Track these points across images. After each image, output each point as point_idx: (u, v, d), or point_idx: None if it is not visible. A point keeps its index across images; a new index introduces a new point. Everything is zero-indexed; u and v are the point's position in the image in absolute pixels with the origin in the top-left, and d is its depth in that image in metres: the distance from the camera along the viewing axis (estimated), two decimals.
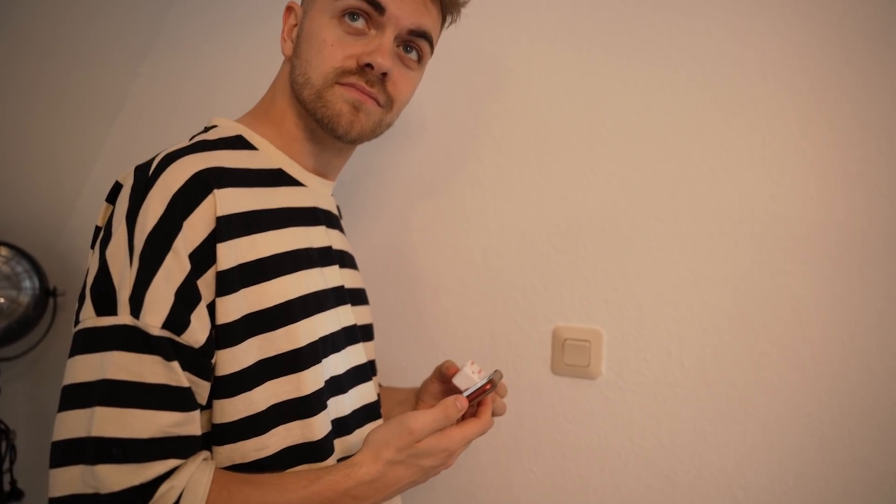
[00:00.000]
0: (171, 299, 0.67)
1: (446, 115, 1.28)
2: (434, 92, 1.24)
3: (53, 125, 1.56)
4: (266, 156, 0.82)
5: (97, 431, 0.64)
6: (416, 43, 0.84)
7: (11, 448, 1.58)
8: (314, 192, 0.87)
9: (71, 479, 0.64)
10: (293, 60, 0.83)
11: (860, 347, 1.04)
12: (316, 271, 0.82)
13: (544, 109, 1.23)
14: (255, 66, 1.37)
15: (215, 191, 0.71)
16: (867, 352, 1.04)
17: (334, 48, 0.79)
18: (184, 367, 0.68)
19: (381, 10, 0.79)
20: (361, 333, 0.92)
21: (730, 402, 1.11)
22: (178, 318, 0.67)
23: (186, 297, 0.68)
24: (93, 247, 0.73)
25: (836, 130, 1.06)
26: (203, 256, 0.69)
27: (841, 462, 1.05)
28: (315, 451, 0.77)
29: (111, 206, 0.73)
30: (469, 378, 0.87)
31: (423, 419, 0.73)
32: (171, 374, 0.66)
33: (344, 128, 0.80)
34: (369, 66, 0.79)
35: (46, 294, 1.59)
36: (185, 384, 0.68)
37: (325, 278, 0.84)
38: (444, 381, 0.96)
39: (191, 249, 0.68)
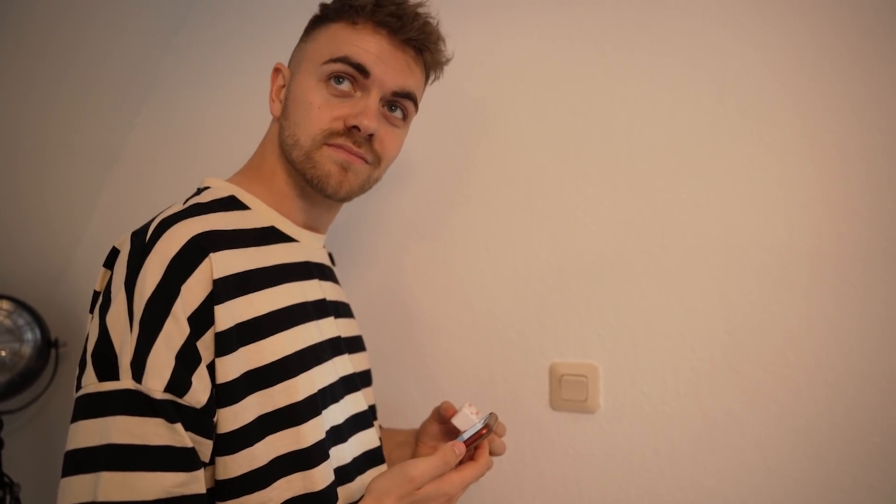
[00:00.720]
0: (172, 363, 0.68)
1: (434, 159, 1.32)
2: (422, 137, 1.27)
3: (51, 178, 1.59)
4: (258, 214, 0.84)
5: (103, 496, 0.65)
6: (400, 103, 0.87)
7: (16, 501, 1.58)
8: (306, 247, 0.89)
9: None
10: (282, 121, 0.85)
11: (853, 370, 1.06)
12: (312, 325, 0.83)
13: (530, 150, 1.27)
14: (249, 121, 1.39)
15: (211, 255, 0.72)
16: (861, 374, 1.06)
17: (321, 110, 0.81)
18: (186, 428, 0.69)
19: (366, 73, 0.82)
20: (360, 380, 0.95)
21: (727, 429, 1.13)
22: (180, 380, 0.68)
23: (187, 360, 0.69)
24: (91, 311, 0.74)
25: (818, 161, 1.09)
26: (201, 319, 0.70)
27: (842, 486, 1.06)
28: (318, 502, 0.78)
29: (109, 272, 0.74)
30: (467, 418, 0.88)
31: (422, 466, 0.74)
32: (174, 435, 0.68)
33: (333, 188, 0.83)
34: (356, 127, 0.81)
35: (48, 345, 1.61)
36: (189, 444, 0.69)
37: (321, 331, 0.85)
38: (442, 421, 0.98)
39: (189, 313, 0.69)
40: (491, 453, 0.86)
